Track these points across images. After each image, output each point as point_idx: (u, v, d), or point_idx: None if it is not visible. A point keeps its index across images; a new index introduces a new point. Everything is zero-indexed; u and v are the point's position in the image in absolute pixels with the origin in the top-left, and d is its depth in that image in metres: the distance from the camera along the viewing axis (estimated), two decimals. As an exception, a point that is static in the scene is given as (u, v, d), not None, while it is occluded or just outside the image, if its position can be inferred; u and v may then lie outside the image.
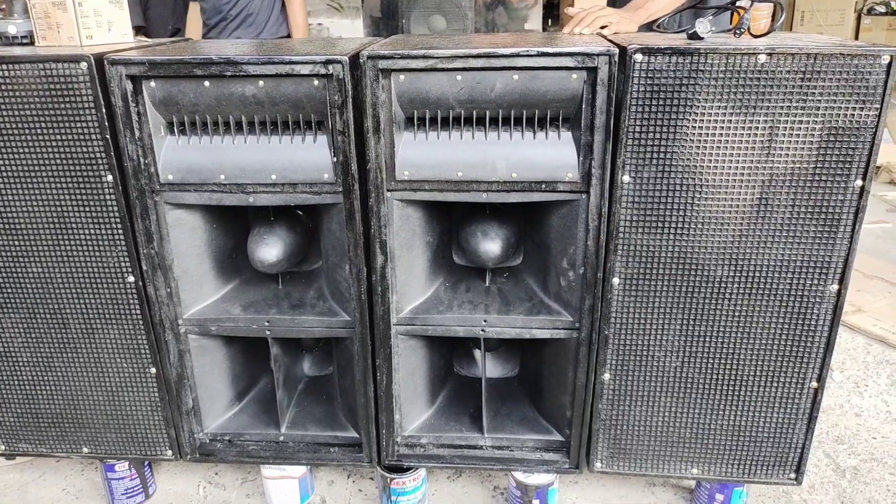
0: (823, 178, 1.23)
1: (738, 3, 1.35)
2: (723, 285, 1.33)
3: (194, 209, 1.43)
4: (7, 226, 1.39)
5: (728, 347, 1.38)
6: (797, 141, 1.21)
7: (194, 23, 2.77)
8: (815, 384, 1.40)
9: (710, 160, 1.24)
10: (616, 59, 1.19)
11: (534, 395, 1.66)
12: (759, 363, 1.39)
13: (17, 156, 1.33)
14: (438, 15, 3.75)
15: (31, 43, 1.48)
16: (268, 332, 1.51)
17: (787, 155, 1.23)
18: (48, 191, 1.35)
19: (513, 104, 1.27)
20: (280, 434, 1.61)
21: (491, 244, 1.46)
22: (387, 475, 1.57)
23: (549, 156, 1.30)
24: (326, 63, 1.23)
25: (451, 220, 1.56)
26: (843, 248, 1.28)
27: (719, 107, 1.20)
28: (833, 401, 2.05)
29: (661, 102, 1.21)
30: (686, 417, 1.46)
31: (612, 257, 1.33)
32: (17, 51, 1.37)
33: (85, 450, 1.61)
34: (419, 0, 3.61)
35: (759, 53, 1.16)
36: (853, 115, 1.19)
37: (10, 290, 1.45)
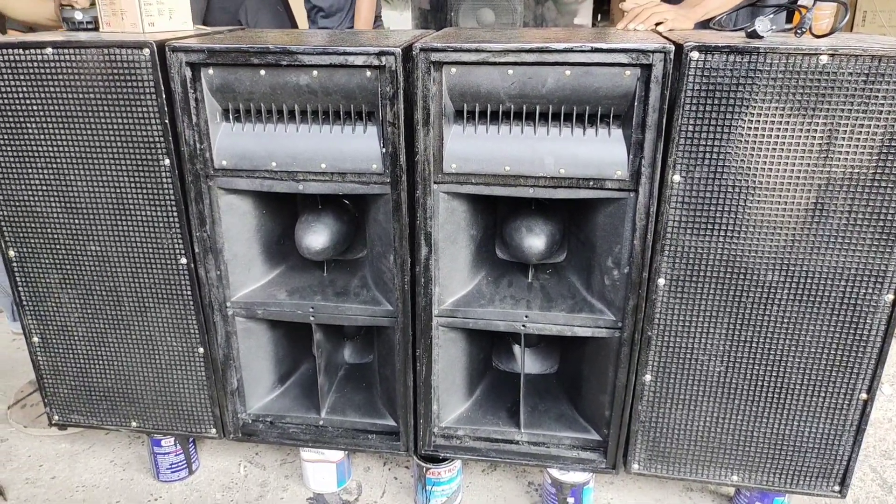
0: (883, 184, 1.20)
1: (799, 2, 1.32)
2: (772, 291, 1.30)
3: (246, 195, 1.47)
4: (69, 205, 1.44)
5: (775, 354, 1.36)
6: (857, 145, 1.18)
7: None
8: (864, 396, 1.36)
9: (765, 162, 1.21)
10: (672, 56, 1.18)
11: (572, 393, 1.66)
12: (807, 372, 1.36)
13: (80, 138, 1.38)
14: (487, 8, 3.74)
15: (96, 28, 1.54)
16: (312, 318, 1.54)
17: (846, 159, 1.19)
18: (108, 172, 1.40)
19: (564, 100, 1.27)
20: (320, 418, 1.64)
21: (535, 240, 1.46)
22: (423, 464, 1.59)
23: (599, 153, 1.29)
24: (379, 55, 1.25)
25: (495, 214, 1.56)
26: (901, 257, 1.24)
27: (777, 108, 1.17)
28: (881, 414, 1.99)
29: (716, 102, 1.18)
30: (728, 423, 1.44)
31: (658, 257, 1.32)
32: (83, 36, 1.42)
33: (134, 424, 1.67)
34: (469, -7, 3.60)
35: (821, 54, 1.13)
36: (918, 120, 1.15)
37: (69, 267, 1.51)
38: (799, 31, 1.26)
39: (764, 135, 1.20)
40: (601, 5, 4.92)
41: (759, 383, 1.39)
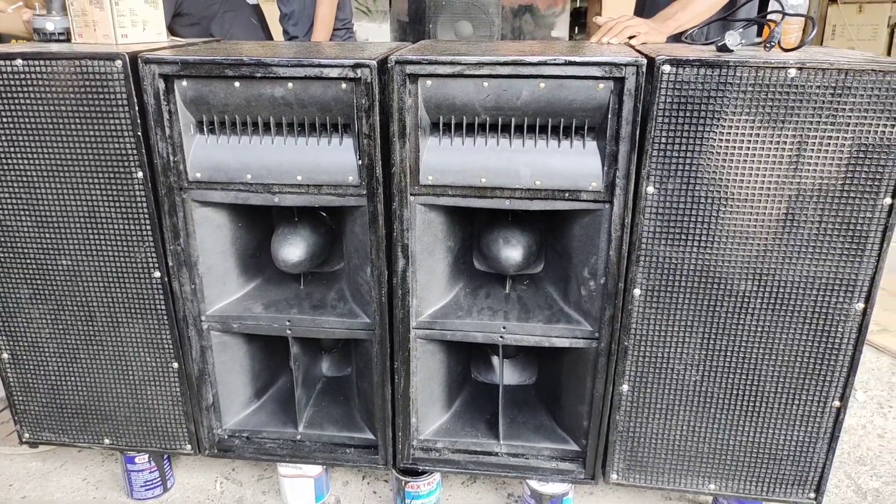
0: (852, 194, 1.22)
1: (768, 17, 1.34)
2: (746, 300, 1.32)
3: (220, 207, 1.45)
4: (39, 218, 1.42)
5: (749, 363, 1.37)
6: (826, 157, 1.20)
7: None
8: (837, 403, 1.38)
9: (737, 173, 1.23)
10: (644, 69, 1.19)
11: (551, 404, 1.66)
12: (781, 380, 1.38)
13: (51, 150, 1.36)
14: (465, 21, 3.76)
15: (68, 40, 1.52)
16: (289, 332, 1.52)
17: (815, 170, 1.21)
18: (80, 185, 1.38)
19: (538, 112, 1.27)
20: (297, 433, 1.62)
21: (512, 251, 1.47)
22: (402, 478, 1.58)
23: (574, 165, 1.30)
24: (355, 67, 1.25)
25: (472, 225, 1.56)
26: (870, 267, 1.26)
27: (747, 120, 1.19)
28: (856, 421, 2.01)
29: (688, 114, 1.20)
30: (705, 432, 1.44)
31: (633, 268, 1.33)
32: (55, 47, 1.40)
33: (106, 441, 1.64)
34: (446, 6, 3.62)
35: (790, 67, 1.16)
36: (884, 131, 1.17)
37: (39, 282, 1.48)
38: (768, 45, 1.29)
39: (735, 146, 1.21)
40: (578, 18, 4.99)
41: (735, 392, 1.40)
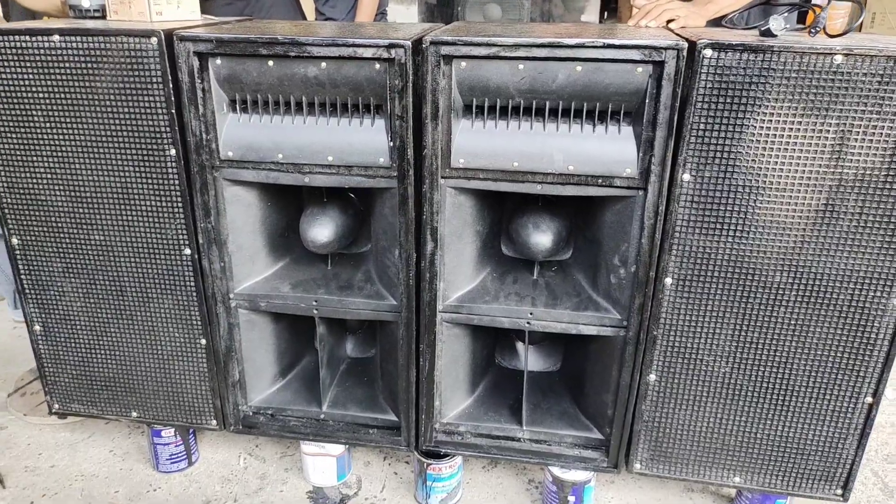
0: (895, 186, 1.19)
1: (813, 1, 1.31)
2: (780, 292, 1.30)
3: (251, 186, 1.46)
4: (73, 193, 1.43)
5: (781, 356, 1.35)
6: (870, 146, 1.17)
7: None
8: (869, 399, 1.35)
9: (776, 162, 1.20)
10: (685, 53, 1.16)
11: (575, 392, 1.65)
12: (813, 374, 1.35)
13: (85, 126, 1.37)
14: (494, 3, 3.72)
15: (103, 17, 1.52)
16: (315, 312, 1.53)
17: (858, 160, 1.18)
18: (114, 161, 1.39)
19: (574, 96, 1.25)
20: (321, 412, 1.63)
21: (542, 236, 1.45)
22: (424, 460, 1.58)
23: (608, 150, 1.28)
24: (389, 47, 1.24)
25: (502, 210, 1.55)
26: (910, 261, 1.23)
27: (789, 107, 1.16)
28: (884, 418, 1.98)
29: (728, 100, 1.17)
30: (732, 424, 1.43)
31: (665, 257, 1.31)
32: (90, 24, 1.41)
33: (134, 414, 1.66)
34: (475, -12, 3.59)
35: (836, 54, 1.12)
36: (932, 122, 1.14)
37: (72, 256, 1.50)
38: (813, 31, 1.25)
39: (776, 134, 1.19)
40: (608, 3, 4.90)
41: (764, 385, 1.38)
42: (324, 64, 1.28)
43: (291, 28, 1.46)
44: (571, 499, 1.55)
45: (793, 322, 1.32)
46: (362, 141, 1.34)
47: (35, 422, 1.90)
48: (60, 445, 1.82)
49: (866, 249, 1.24)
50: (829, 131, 1.17)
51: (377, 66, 1.26)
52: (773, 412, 1.40)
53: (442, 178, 1.34)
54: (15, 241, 1.50)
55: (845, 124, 1.16)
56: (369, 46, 1.24)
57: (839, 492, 1.45)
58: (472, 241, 1.48)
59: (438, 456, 1.59)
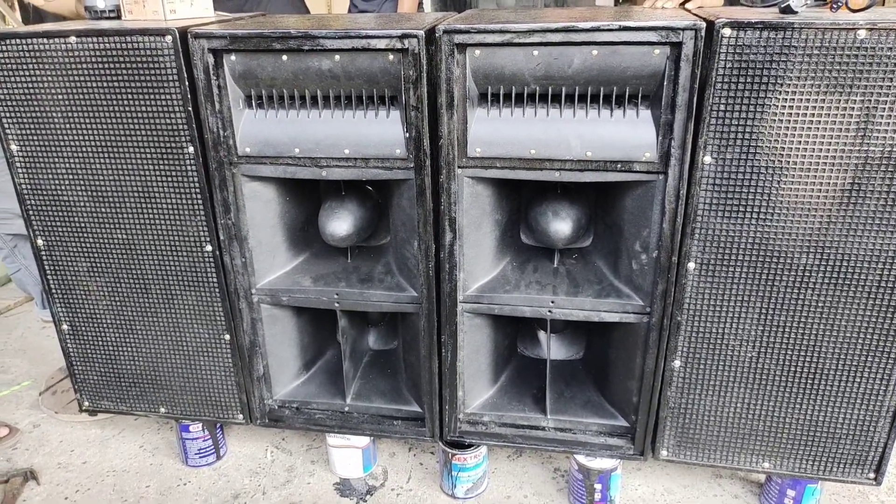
0: (924, 163, 1.16)
1: (836, -25, 1.27)
2: (806, 274, 1.27)
3: (269, 182, 1.46)
4: (95, 193, 1.45)
5: (809, 339, 1.32)
6: (897, 123, 1.14)
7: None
8: (902, 381, 1.33)
9: (800, 142, 1.18)
10: (703, 33, 1.14)
11: (599, 379, 1.64)
12: (842, 357, 1.33)
13: (105, 126, 1.38)
14: (507, -9, 3.68)
15: (118, 17, 1.54)
16: (336, 305, 1.53)
17: (885, 137, 1.15)
18: (133, 160, 1.40)
19: (590, 81, 1.24)
20: (345, 405, 1.64)
21: (561, 224, 1.44)
22: (449, 450, 1.59)
23: (627, 135, 1.26)
24: (402, 37, 1.23)
25: (520, 198, 1.54)
26: (941, 239, 1.20)
27: (812, 85, 1.14)
28: (917, 400, 1.94)
29: (748, 80, 1.15)
30: (760, 409, 1.41)
31: (688, 241, 1.29)
32: (105, 24, 1.42)
33: (162, 410, 1.69)
34: (488, -25, 3.55)
35: (860, 28, 1.09)
36: (962, 95, 1.10)
37: (96, 255, 1.52)
38: (835, 6, 1.22)
39: (798, 113, 1.16)
40: (623, -14, 4.83)
41: (792, 368, 1.36)
42: (337, 56, 1.28)
43: (304, 22, 1.46)
44: (598, 486, 1.54)
45: (821, 304, 1.29)
46: (378, 133, 1.34)
47: (66, 419, 1.93)
48: (91, 442, 1.86)
49: (895, 228, 1.21)
50: (853, 109, 1.14)
51: (391, 56, 1.26)
52: (802, 396, 1.38)
53: (459, 167, 1.33)
54: (40, 241, 1.53)
55: (870, 101, 1.13)
56: (382, 37, 1.24)
57: (871, 475, 1.43)
58: (491, 230, 1.47)
59: (463, 446, 1.59)
